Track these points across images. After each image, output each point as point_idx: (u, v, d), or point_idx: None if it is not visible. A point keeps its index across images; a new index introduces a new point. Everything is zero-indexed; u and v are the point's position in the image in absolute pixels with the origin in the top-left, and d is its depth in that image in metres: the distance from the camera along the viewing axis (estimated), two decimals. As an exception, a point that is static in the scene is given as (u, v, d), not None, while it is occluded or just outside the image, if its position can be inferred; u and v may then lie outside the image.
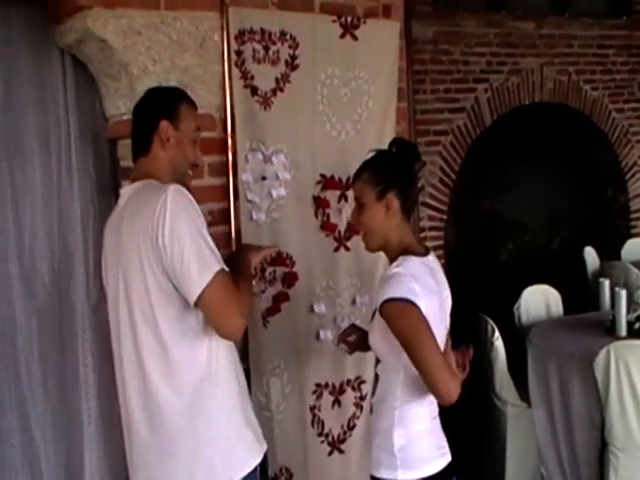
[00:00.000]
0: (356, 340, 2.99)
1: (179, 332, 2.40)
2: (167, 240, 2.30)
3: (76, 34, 3.01)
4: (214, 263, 2.34)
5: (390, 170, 2.65)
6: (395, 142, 2.80)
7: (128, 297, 2.45)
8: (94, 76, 3.19)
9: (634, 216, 8.04)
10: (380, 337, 2.58)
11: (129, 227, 2.43)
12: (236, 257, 2.77)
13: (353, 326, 3.09)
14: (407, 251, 2.58)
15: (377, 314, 2.57)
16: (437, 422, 2.69)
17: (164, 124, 2.52)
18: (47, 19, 3.12)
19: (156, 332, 2.40)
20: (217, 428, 2.45)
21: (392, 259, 2.62)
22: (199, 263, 2.32)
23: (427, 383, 2.43)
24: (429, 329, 2.44)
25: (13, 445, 3.15)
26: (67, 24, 3.02)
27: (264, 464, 2.59)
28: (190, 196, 2.40)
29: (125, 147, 3.12)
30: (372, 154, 2.77)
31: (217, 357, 2.46)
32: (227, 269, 2.40)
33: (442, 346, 2.59)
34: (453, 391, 2.44)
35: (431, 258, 2.67)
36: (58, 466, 3.24)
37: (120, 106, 3.13)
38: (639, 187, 8.09)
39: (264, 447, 2.60)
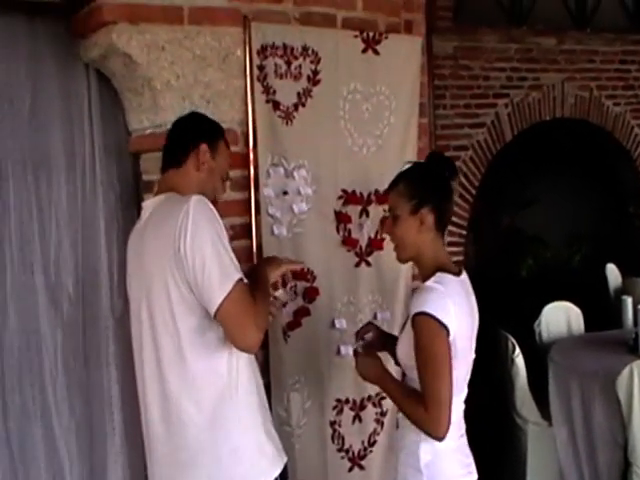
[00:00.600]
0: (373, 339, 3.00)
1: (200, 344, 2.43)
2: (189, 249, 2.34)
3: (100, 49, 3.05)
4: (234, 272, 2.39)
5: (426, 184, 2.65)
6: (432, 156, 2.82)
7: (150, 309, 2.48)
8: (118, 90, 3.23)
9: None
10: (409, 350, 2.57)
11: (153, 239, 2.48)
12: (255, 270, 2.80)
13: (371, 324, 3.10)
14: (443, 268, 2.59)
15: (408, 325, 2.59)
16: (464, 440, 2.70)
17: (204, 147, 2.59)
18: (72, 33, 3.17)
19: (177, 344, 2.43)
20: (237, 440, 2.47)
21: (426, 274, 2.62)
22: (220, 272, 2.36)
23: (425, 409, 2.47)
24: (449, 360, 2.47)
25: (37, 457, 3.17)
26: (92, 39, 3.06)
27: (284, 475, 2.61)
28: (212, 207, 2.44)
29: (148, 161, 3.19)
30: (408, 166, 2.78)
31: (237, 370, 2.48)
32: (246, 280, 2.43)
33: (470, 366, 2.64)
34: (443, 430, 2.47)
35: (464, 277, 2.68)
36: (82, 478, 3.26)
37: (143, 120, 3.17)
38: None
39: (284, 458, 2.62)
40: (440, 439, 2.49)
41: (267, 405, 2.68)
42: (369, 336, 3.01)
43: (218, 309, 2.35)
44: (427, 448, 2.59)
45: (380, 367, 2.69)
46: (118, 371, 3.30)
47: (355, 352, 2.88)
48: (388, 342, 3.00)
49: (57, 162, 3.21)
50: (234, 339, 2.41)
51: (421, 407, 2.47)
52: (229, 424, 2.46)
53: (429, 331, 2.46)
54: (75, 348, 3.25)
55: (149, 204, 2.62)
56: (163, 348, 2.46)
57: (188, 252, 2.34)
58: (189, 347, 2.43)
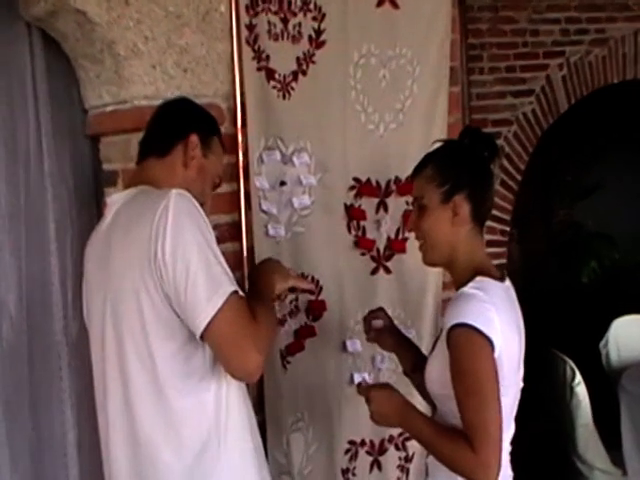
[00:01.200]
0: (382, 327, 3.06)
1: (181, 374, 2.43)
2: (168, 256, 2.32)
3: (47, 4, 3.02)
4: (226, 284, 2.37)
5: (460, 166, 2.67)
6: (467, 133, 2.82)
7: (117, 330, 2.47)
8: (70, 58, 3.23)
9: None
10: (442, 374, 2.56)
11: (121, 244, 2.47)
12: (256, 276, 2.81)
13: (382, 310, 3.14)
14: (481, 271, 2.60)
15: (440, 344, 2.60)
16: None
17: (194, 138, 2.62)
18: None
19: (152, 374, 2.42)
20: None
21: (461, 280, 2.63)
22: (208, 284, 2.34)
23: (472, 449, 2.41)
24: (497, 381, 2.45)
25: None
26: (35, -8, 3.06)
27: None
28: (197, 203, 2.45)
29: (110, 146, 3.21)
30: (438, 145, 2.81)
31: (227, 406, 2.48)
32: (241, 293, 2.43)
33: (517, 396, 2.65)
34: (494, 475, 2.42)
35: (509, 285, 2.70)
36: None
37: (103, 95, 3.18)
38: None
39: None
40: None
41: (262, 449, 2.69)
42: (378, 323, 3.07)
43: (207, 329, 2.33)
44: None
45: (401, 400, 2.64)
46: (74, 413, 3.28)
47: (359, 386, 2.83)
48: (401, 345, 3.08)
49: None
50: (229, 365, 2.40)
51: (466, 447, 2.41)
52: (217, 474, 2.46)
53: (471, 346, 2.44)
54: (18, 384, 3.18)
55: (116, 199, 2.62)
56: (133, 381, 2.45)
57: (168, 260, 2.32)
58: (167, 379, 2.42)
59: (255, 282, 2.75)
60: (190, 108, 2.76)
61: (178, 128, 2.64)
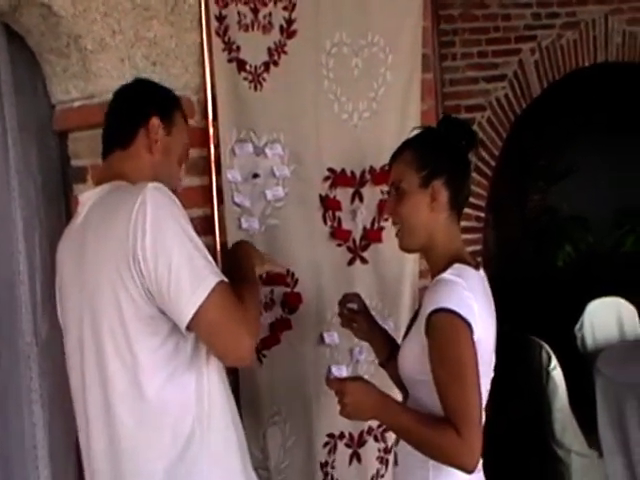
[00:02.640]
0: (357, 311, 3.07)
1: (162, 370, 2.40)
2: (149, 251, 2.30)
3: None
4: (210, 274, 2.36)
5: (439, 152, 2.68)
6: (445, 121, 2.84)
7: (96, 329, 2.43)
8: (35, 52, 3.20)
9: None
10: (416, 359, 2.57)
11: (95, 240, 2.44)
12: (235, 260, 2.81)
13: (357, 295, 3.15)
14: (458, 259, 2.60)
15: (415, 329, 2.59)
16: (481, 476, 2.66)
17: (155, 121, 2.57)
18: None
19: (133, 371, 2.39)
20: None
21: (439, 267, 2.62)
22: (192, 276, 2.32)
23: (458, 433, 2.39)
24: (477, 365, 2.45)
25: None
26: (-5, -15, 3.03)
27: None
28: (173, 196, 2.43)
29: (78, 141, 3.19)
30: (416, 132, 2.80)
31: (209, 398, 2.46)
32: (226, 280, 2.42)
33: (487, 387, 2.63)
34: (477, 457, 2.44)
35: (483, 274, 2.70)
36: None
37: (70, 89, 3.16)
38: None
39: None
40: (471, 471, 2.45)
41: (245, 440, 2.66)
42: (352, 306, 3.08)
43: (194, 318, 2.31)
44: None
45: (376, 391, 2.58)
46: (45, 413, 3.24)
47: (328, 380, 2.81)
48: (376, 333, 3.08)
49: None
50: (222, 351, 2.41)
51: (452, 432, 2.39)
52: (201, 469, 2.43)
53: (453, 331, 2.44)
54: None
55: (89, 196, 2.58)
56: (113, 380, 2.42)
57: (149, 256, 2.30)
58: (148, 375, 2.39)
59: (235, 266, 2.74)
60: (145, 89, 2.72)
61: (136, 115, 2.59)
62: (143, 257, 2.30)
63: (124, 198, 2.40)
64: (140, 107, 2.61)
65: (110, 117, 2.67)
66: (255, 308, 2.54)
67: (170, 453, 2.41)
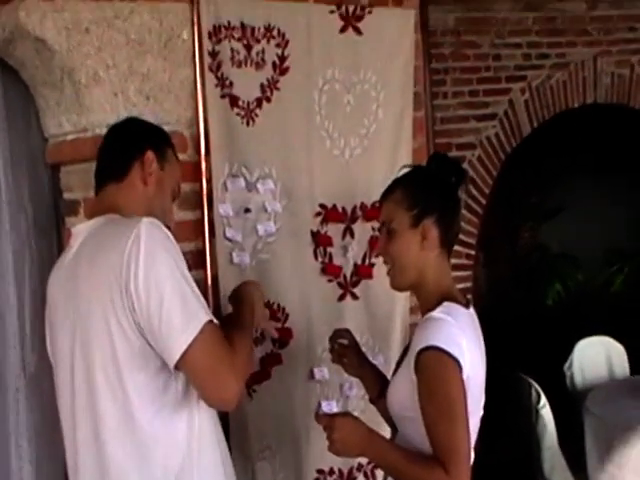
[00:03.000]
0: (347, 346, 3.06)
1: (153, 404, 2.39)
2: (141, 285, 2.28)
3: (4, 32, 3.02)
4: (201, 313, 2.34)
5: (429, 191, 2.67)
6: (435, 159, 2.83)
7: (87, 361, 2.42)
8: (29, 85, 3.21)
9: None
10: (405, 395, 2.56)
11: (89, 271, 2.42)
12: (239, 301, 2.79)
13: (348, 331, 3.13)
14: (448, 297, 2.60)
15: (405, 366, 2.59)
16: None
17: (150, 154, 2.58)
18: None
19: (123, 405, 2.38)
20: None
21: (429, 305, 2.62)
22: (183, 315, 2.31)
23: (445, 470, 2.37)
24: (466, 403, 2.44)
25: None
26: (-8, 19, 3.04)
27: None
28: (167, 231, 2.42)
29: (70, 174, 3.19)
30: (406, 170, 2.81)
31: (200, 435, 2.45)
32: (216, 320, 2.40)
33: (477, 425, 2.63)
34: None
35: (473, 312, 2.69)
36: None
37: (63, 123, 3.16)
38: None
39: None
40: None
41: (235, 477, 2.66)
42: (343, 342, 3.07)
43: (182, 358, 2.30)
44: None
45: (365, 427, 2.56)
46: (32, 448, 3.23)
47: (317, 415, 2.74)
48: (366, 369, 3.06)
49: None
50: (206, 393, 2.38)
51: (440, 470, 2.38)
52: None
53: (442, 368, 2.43)
54: None
55: (82, 229, 2.57)
56: (104, 417, 2.40)
57: (141, 290, 2.29)
58: (139, 410, 2.37)
59: (237, 306, 2.74)
60: (139, 126, 2.73)
61: (131, 148, 2.60)
62: (135, 291, 2.29)
63: (119, 231, 2.39)
64: (135, 141, 2.61)
65: (104, 151, 2.67)
66: (244, 353, 2.50)
67: None
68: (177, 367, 2.33)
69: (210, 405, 2.43)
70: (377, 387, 3.01)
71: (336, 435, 2.51)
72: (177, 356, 2.30)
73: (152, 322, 2.30)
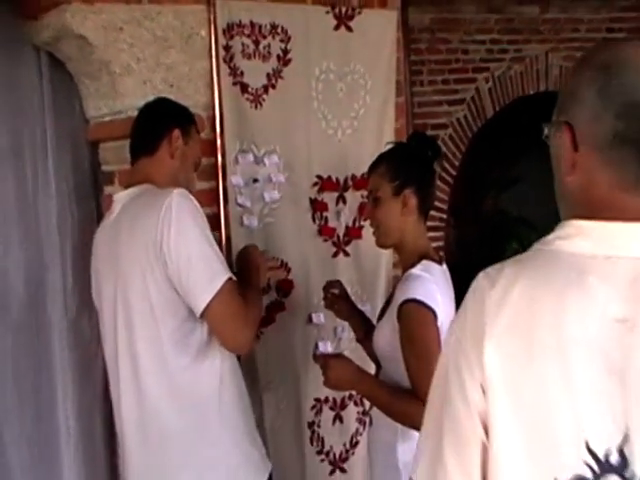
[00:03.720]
0: (338, 295, 3.08)
1: (183, 348, 2.42)
2: (173, 246, 2.32)
3: (53, 31, 3.02)
4: (222, 271, 2.39)
5: (409, 165, 2.68)
6: (415, 136, 2.86)
7: (127, 311, 2.45)
8: (73, 75, 3.20)
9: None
10: (388, 339, 2.58)
11: (129, 235, 2.45)
12: (244, 262, 2.81)
13: (339, 281, 3.15)
14: (426, 256, 2.61)
15: (389, 313, 2.60)
16: None
17: (177, 132, 2.59)
18: (21, 15, 3.11)
19: (158, 346, 2.41)
20: (222, 450, 2.47)
21: (409, 262, 2.63)
22: (207, 271, 2.36)
23: (423, 402, 2.37)
24: (440, 345, 2.41)
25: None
26: (43, 20, 3.02)
27: None
28: (195, 201, 2.45)
29: (107, 150, 3.17)
30: (390, 146, 2.81)
31: (222, 374, 2.48)
32: (235, 278, 2.43)
33: None
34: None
35: (445, 268, 2.70)
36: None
37: (101, 107, 3.15)
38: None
39: (269, 467, 2.63)
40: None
41: (251, 409, 2.68)
42: (335, 291, 3.08)
43: (205, 310, 2.35)
44: (405, 447, 2.56)
45: (354, 366, 2.59)
46: (74, 376, 3.24)
47: (315, 356, 2.84)
48: (354, 314, 3.08)
49: (3, 154, 3.14)
50: (224, 340, 2.42)
51: (417, 402, 2.31)
52: (214, 432, 2.46)
53: (420, 318, 2.46)
54: (27, 354, 3.17)
55: (122, 196, 2.60)
56: (142, 356, 2.43)
57: (173, 250, 2.32)
58: (171, 352, 2.41)
59: (244, 271, 2.73)
60: (167, 106, 2.75)
61: (161, 127, 2.62)
62: (168, 250, 2.32)
63: (154, 200, 2.42)
64: (164, 120, 2.63)
65: (137, 129, 2.68)
66: (255, 305, 2.56)
67: (188, 418, 2.44)
68: (202, 316, 2.36)
69: (227, 349, 2.46)
70: (363, 329, 3.03)
71: (330, 373, 2.55)
72: (202, 307, 2.34)
73: (181, 277, 2.33)
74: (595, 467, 1.16)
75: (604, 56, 1.34)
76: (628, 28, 7.71)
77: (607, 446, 1.16)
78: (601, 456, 1.16)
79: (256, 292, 2.65)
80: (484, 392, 1.22)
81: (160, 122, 2.64)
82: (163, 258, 2.33)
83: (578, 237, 1.28)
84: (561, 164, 1.38)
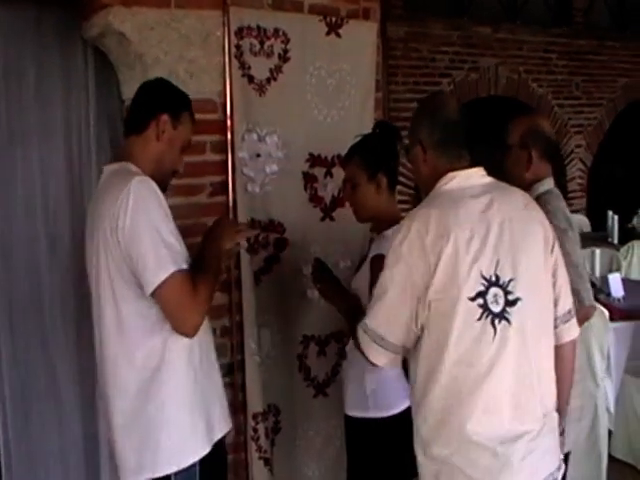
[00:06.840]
0: (322, 277, 2.91)
1: (138, 319, 2.21)
2: (127, 232, 2.12)
3: (99, 29, 3.01)
4: (169, 263, 2.14)
5: (378, 153, 2.68)
6: (379, 125, 2.85)
7: (97, 280, 2.26)
8: (113, 64, 3.17)
9: (570, 195, 8.29)
10: (362, 290, 2.58)
11: (98, 214, 2.24)
12: (205, 243, 2.45)
13: (320, 261, 2.97)
14: (397, 221, 2.49)
15: (364, 267, 2.62)
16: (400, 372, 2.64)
17: (164, 118, 2.34)
18: (74, 17, 3.12)
19: (117, 315, 2.22)
20: (167, 414, 2.24)
21: (382, 227, 2.63)
22: (154, 261, 2.13)
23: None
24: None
25: (38, 376, 3.13)
26: (91, 20, 3.02)
27: (221, 452, 2.46)
28: (156, 189, 2.20)
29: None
30: (358, 138, 2.78)
31: (171, 345, 2.24)
32: (185, 267, 2.20)
33: None
34: None
35: None
36: (77, 395, 3.23)
37: (135, 90, 3.10)
38: (575, 171, 8.39)
39: (214, 438, 2.37)
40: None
41: (212, 380, 2.42)
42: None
43: (153, 294, 2.15)
44: (372, 378, 2.61)
45: (334, 284, 2.74)
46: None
47: (314, 274, 2.85)
48: (336, 293, 2.92)
49: (56, 126, 3.15)
50: (171, 324, 2.20)
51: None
52: (161, 396, 2.23)
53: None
54: (69, 291, 3.15)
55: (105, 171, 2.37)
56: (105, 317, 2.24)
57: (127, 234, 2.13)
58: (127, 321, 2.20)
59: (204, 248, 2.41)
60: (162, 90, 2.45)
61: (151, 109, 2.35)
62: (122, 234, 2.13)
63: (117, 184, 2.19)
64: (154, 104, 2.37)
65: (132, 106, 2.46)
66: (207, 291, 2.25)
67: (142, 378, 2.23)
68: (151, 296, 2.17)
69: (175, 331, 2.21)
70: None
71: (319, 286, 2.82)
72: (149, 291, 2.15)
73: (132, 259, 2.14)
74: (485, 283, 1.93)
75: (432, 103, 2.22)
76: (559, 50, 8.09)
77: (490, 272, 1.94)
78: (487, 277, 1.93)
79: (209, 276, 2.30)
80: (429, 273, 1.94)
81: (150, 105, 2.37)
82: (117, 239, 2.14)
83: (453, 180, 2.07)
84: (418, 162, 2.16)
